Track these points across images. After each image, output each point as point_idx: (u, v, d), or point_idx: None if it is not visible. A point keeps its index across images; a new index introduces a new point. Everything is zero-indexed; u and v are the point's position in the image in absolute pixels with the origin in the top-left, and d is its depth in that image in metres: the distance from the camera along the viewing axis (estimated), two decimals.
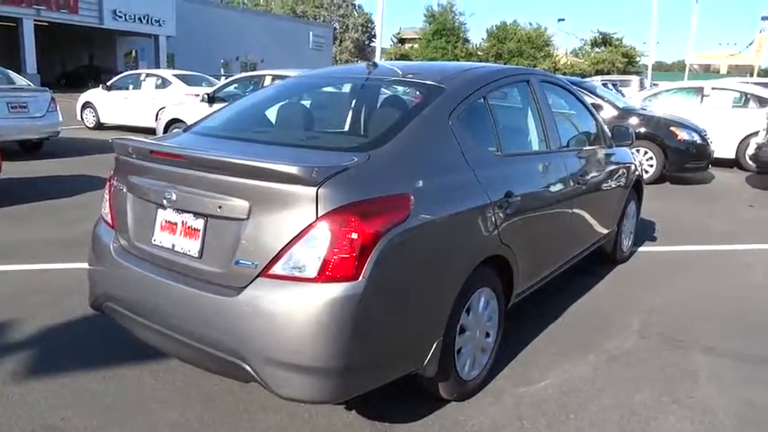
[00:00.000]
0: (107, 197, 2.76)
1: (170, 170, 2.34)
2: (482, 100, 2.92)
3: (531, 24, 53.97)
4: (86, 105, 14.39)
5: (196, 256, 2.29)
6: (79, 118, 14.42)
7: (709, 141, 8.79)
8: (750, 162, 10.08)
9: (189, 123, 9.43)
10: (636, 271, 4.80)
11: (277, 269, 2.08)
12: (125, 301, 2.53)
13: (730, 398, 2.89)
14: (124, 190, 2.60)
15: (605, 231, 4.35)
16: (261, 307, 2.08)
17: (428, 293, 2.37)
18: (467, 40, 50.00)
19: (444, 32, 48.69)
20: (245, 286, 2.12)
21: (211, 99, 9.41)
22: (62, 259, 4.53)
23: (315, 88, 3.48)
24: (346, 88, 3.26)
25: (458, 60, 45.37)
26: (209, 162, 2.20)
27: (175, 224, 2.38)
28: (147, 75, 13.99)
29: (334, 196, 2.05)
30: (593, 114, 4.21)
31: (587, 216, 3.87)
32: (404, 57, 53.18)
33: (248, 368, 2.11)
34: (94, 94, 14.23)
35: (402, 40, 57.02)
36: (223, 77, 17.42)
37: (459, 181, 2.57)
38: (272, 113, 3.06)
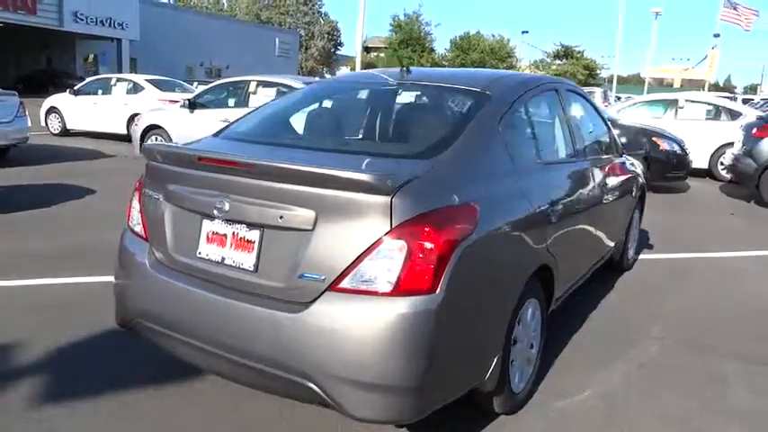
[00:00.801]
0: (137, 207, 2.60)
1: (221, 178, 2.21)
2: (523, 107, 2.89)
3: (493, 36, 54.97)
4: (51, 111, 13.83)
5: (251, 269, 2.16)
6: (43, 124, 13.82)
7: (687, 152, 9.03)
8: (722, 172, 10.45)
9: (169, 130, 9.27)
10: (642, 279, 4.85)
11: (348, 283, 1.98)
12: (163, 318, 2.37)
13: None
14: (160, 199, 2.45)
15: (618, 239, 4.38)
16: (332, 323, 1.97)
17: (493, 305, 2.31)
18: (433, 50, 50.37)
19: (411, 42, 48.95)
20: (312, 301, 2.01)
21: (192, 105, 9.15)
22: (51, 274, 4.26)
23: (351, 93, 3.38)
24: (386, 93, 3.17)
25: None
26: (271, 169, 2.08)
27: (225, 236, 2.24)
28: (118, 79, 13.56)
29: (408, 205, 1.96)
30: (606, 124, 4.24)
31: (606, 224, 3.88)
32: (369, 65, 53.24)
33: (315, 388, 2.00)
34: (60, 100, 13.70)
35: (368, 49, 56.98)
36: (197, 84, 17.04)
37: (512, 189, 2.52)
38: (310, 119, 2.95)
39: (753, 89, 69.94)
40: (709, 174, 10.81)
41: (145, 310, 2.45)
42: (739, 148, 8.64)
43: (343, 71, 55.22)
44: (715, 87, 56.57)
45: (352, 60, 56.58)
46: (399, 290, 1.93)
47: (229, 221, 2.21)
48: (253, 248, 2.16)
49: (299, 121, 2.93)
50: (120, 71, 28.25)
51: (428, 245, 1.95)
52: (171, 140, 9.28)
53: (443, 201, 2.09)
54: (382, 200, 1.94)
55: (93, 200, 7.01)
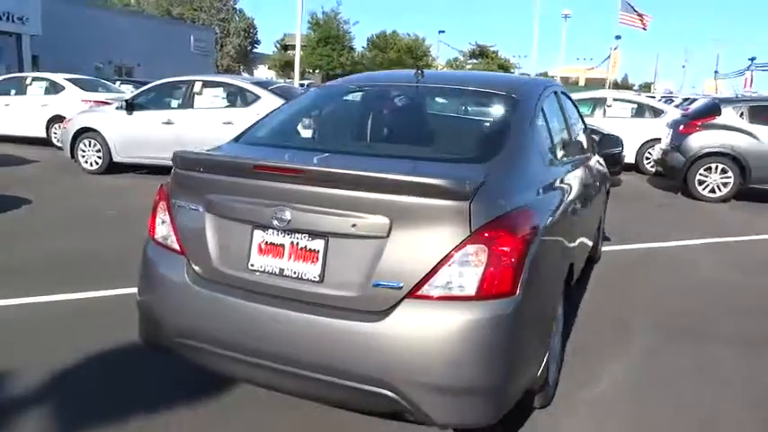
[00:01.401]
0: (165, 218, 2.44)
1: (280, 186, 2.12)
2: (541, 110, 2.97)
3: (409, 35, 56.11)
4: None
5: (316, 279, 2.09)
6: None
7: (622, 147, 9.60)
8: (648, 166, 11.22)
9: (105, 134, 8.71)
10: (612, 270, 5.12)
11: (427, 289, 1.96)
12: (210, 335, 2.25)
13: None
14: (199, 210, 2.31)
15: (596, 232, 4.62)
16: (413, 330, 1.95)
17: (549, 303, 2.38)
18: (352, 49, 50.41)
19: (329, 40, 48.74)
20: (390, 309, 1.98)
21: (130, 106, 8.65)
22: (11, 293, 3.86)
23: (376, 96, 3.31)
24: (415, 96, 3.13)
25: (344, 69, 45.80)
26: (344, 176, 2.02)
27: (281, 246, 2.16)
28: (34, 78, 12.58)
29: (485, 210, 1.98)
30: (584, 122, 4.44)
31: (594, 218, 4.08)
32: (288, 64, 52.53)
33: (394, 396, 1.97)
34: None
35: (286, 47, 56.25)
36: (119, 83, 16.09)
37: (550, 190, 2.60)
38: (341, 123, 2.87)
39: (647, 87, 74.91)
40: (635, 168, 11.56)
41: (187, 328, 2.31)
42: (667, 144, 9.30)
43: (262, 70, 54.04)
44: (615, 85, 60.51)
45: (270, 58, 55.59)
46: (482, 294, 1.95)
47: (287, 231, 2.13)
48: (317, 258, 2.10)
49: (338, 126, 2.85)
50: (20, 69, 26.05)
51: (506, 248, 1.97)
52: (107, 144, 8.75)
53: (509, 204, 2.11)
54: (460, 205, 1.95)
55: (30, 210, 6.48)
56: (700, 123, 8.88)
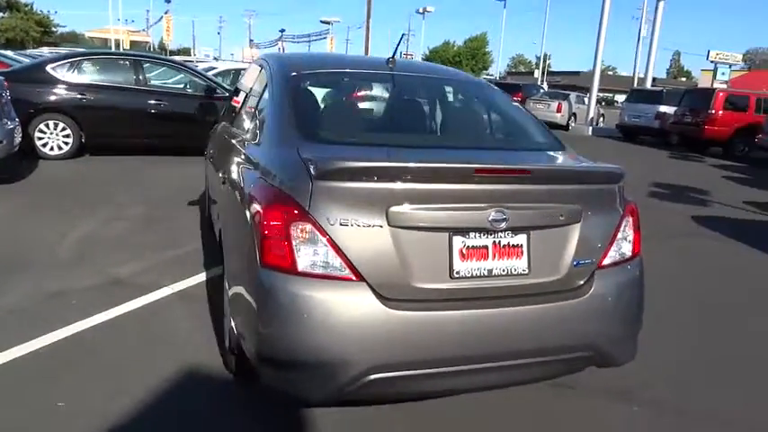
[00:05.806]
0: (317, 244, 1.99)
1: (494, 188, 2.12)
2: None
3: None
4: None
5: (524, 272, 2.20)
6: None
7: None
8: None
9: None
10: None
11: (608, 259, 2.36)
12: (416, 358, 2.07)
13: None
14: (380, 225, 2.01)
15: None
16: (609, 295, 2.33)
17: None
18: None
19: None
20: (587, 283, 2.29)
21: None
22: None
23: (400, 87, 3.00)
24: (432, 88, 3.02)
25: None
26: (559, 173, 2.20)
27: (485, 248, 2.15)
28: None
29: (623, 189, 2.48)
30: None
31: None
32: None
33: (592, 354, 2.34)
34: None
35: None
36: None
37: None
38: (386, 117, 2.68)
39: (185, 51, 76.08)
40: None
41: (387, 360, 2.04)
42: None
43: None
44: (161, 49, 60.16)
45: None
46: (634, 254, 2.46)
47: (490, 232, 2.14)
48: (521, 252, 2.20)
49: (389, 121, 2.62)
50: None
51: (635, 217, 2.51)
52: None
53: None
54: (616, 187, 2.41)
55: None
56: None
